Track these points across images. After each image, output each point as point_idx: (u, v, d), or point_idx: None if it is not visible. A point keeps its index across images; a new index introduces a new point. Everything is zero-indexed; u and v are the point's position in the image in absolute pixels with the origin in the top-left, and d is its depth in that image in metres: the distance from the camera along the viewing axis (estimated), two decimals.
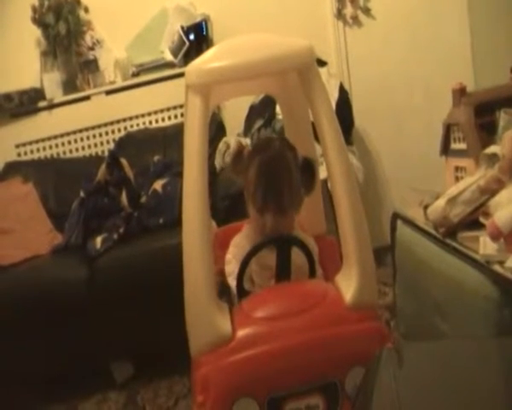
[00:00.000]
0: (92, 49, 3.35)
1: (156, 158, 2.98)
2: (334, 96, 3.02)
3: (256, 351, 1.26)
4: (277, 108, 2.86)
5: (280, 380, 1.25)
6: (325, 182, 1.94)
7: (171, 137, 3.05)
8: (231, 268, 1.54)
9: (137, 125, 3.34)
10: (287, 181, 1.49)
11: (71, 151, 3.35)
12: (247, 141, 2.93)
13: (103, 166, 2.81)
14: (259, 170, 1.51)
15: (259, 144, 1.71)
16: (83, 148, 3.35)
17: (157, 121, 3.34)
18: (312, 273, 1.49)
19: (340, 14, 3.34)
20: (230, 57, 1.35)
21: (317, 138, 1.49)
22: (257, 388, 1.25)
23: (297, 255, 1.48)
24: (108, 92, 3.30)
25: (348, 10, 3.33)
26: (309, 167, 1.57)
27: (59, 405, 2.45)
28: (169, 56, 3.28)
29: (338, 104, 2.98)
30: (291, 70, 1.45)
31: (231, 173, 1.66)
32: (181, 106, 3.12)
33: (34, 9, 3.22)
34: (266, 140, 1.93)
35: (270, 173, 1.50)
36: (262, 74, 1.46)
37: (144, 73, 3.33)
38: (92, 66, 3.33)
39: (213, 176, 2.67)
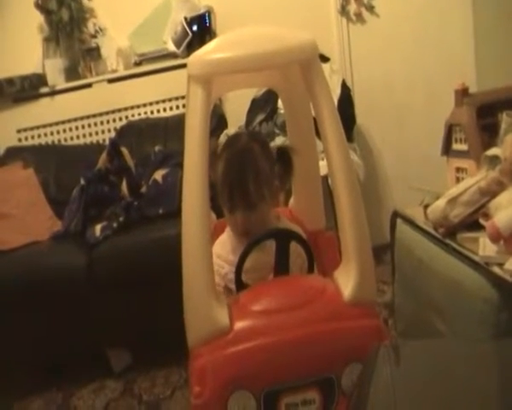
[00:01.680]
0: (95, 36, 3.34)
1: (157, 148, 2.97)
2: (336, 92, 3.02)
3: (253, 344, 1.25)
4: (279, 103, 2.86)
5: (277, 374, 1.25)
6: (326, 178, 1.94)
7: (173, 128, 3.05)
8: None
9: (139, 114, 3.34)
10: (252, 175, 1.45)
11: (72, 138, 3.35)
12: None
13: (104, 154, 2.81)
14: (224, 168, 1.48)
15: (227, 141, 1.65)
16: (84, 135, 3.35)
17: (158, 111, 3.35)
18: (311, 268, 1.49)
19: (343, 11, 3.34)
20: (233, 49, 1.33)
21: (318, 134, 1.48)
22: (253, 381, 1.24)
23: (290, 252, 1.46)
24: (110, 81, 3.30)
25: (352, 7, 3.34)
26: (284, 156, 1.54)
27: (56, 392, 2.46)
28: (172, 47, 3.27)
29: (340, 101, 2.99)
30: (293, 63, 1.43)
31: (211, 176, 1.53)
32: (183, 97, 3.12)
33: None
34: (234, 136, 1.88)
35: (235, 170, 1.47)
36: (264, 67, 1.44)
37: (146, 63, 3.33)
38: (94, 53, 3.32)
39: None
